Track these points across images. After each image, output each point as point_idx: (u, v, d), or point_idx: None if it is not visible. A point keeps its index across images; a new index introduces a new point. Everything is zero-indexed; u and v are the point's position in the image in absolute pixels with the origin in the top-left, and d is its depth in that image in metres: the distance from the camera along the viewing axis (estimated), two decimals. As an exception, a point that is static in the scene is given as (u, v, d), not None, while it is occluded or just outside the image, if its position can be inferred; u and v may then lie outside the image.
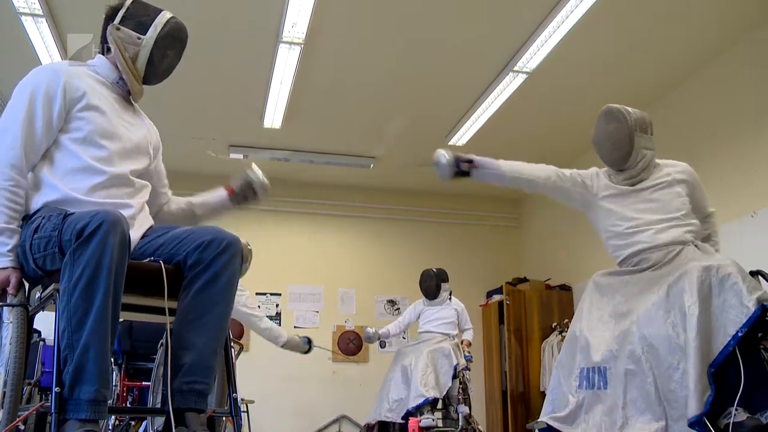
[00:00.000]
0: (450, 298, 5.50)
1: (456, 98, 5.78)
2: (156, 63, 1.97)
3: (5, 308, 1.71)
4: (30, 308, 1.74)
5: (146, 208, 2.03)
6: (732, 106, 4.90)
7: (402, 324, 5.66)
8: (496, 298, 7.45)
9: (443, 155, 2.71)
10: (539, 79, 5.31)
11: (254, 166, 2.20)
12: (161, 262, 1.78)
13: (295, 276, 7.57)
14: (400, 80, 5.50)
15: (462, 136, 6.44)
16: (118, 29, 1.94)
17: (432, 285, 5.41)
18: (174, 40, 2.00)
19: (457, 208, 8.17)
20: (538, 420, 2.62)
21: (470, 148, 6.62)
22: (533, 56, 4.95)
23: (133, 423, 3.48)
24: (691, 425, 1.99)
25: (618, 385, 2.26)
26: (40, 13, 4.38)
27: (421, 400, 4.73)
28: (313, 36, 4.73)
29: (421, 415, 4.72)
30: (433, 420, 4.76)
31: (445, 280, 5.45)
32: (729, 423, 2.02)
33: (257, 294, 7.36)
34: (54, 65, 1.95)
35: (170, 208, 2.22)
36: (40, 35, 4.62)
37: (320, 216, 7.81)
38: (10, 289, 1.72)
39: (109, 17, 1.97)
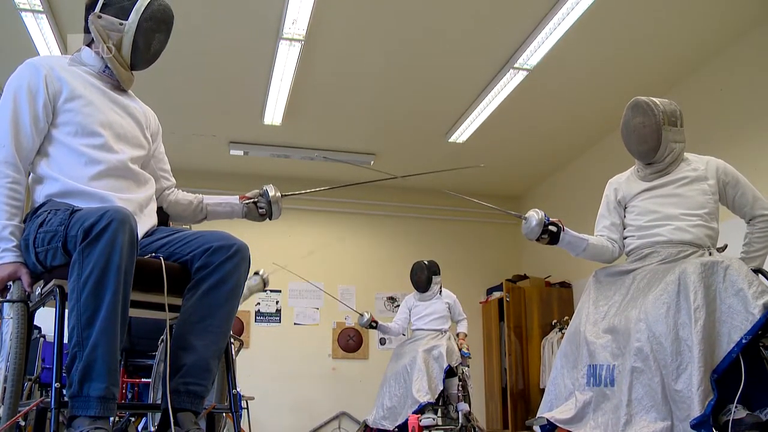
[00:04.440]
0: (440, 292, 5.47)
1: (456, 95, 5.77)
2: (141, 48, 1.92)
3: (6, 304, 1.71)
4: (30, 304, 1.74)
5: (152, 204, 2.00)
6: (732, 104, 4.90)
7: (399, 321, 5.62)
8: (496, 295, 7.47)
9: (535, 212, 2.66)
10: (540, 77, 5.30)
11: (272, 185, 2.20)
12: (161, 258, 1.78)
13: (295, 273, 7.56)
14: (400, 77, 5.50)
15: (462, 133, 6.44)
16: (99, 17, 1.88)
17: (423, 277, 5.35)
18: (158, 22, 1.92)
19: (457, 205, 8.17)
20: (538, 416, 2.60)
21: (471, 146, 6.67)
22: (534, 53, 4.95)
23: (132, 420, 3.49)
24: (693, 427, 1.98)
25: (623, 381, 2.23)
26: (40, 9, 4.38)
27: (415, 407, 4.76)
28: (314, 33, 4.73)
29: (421, 414, 4.74)
30: (434, 419, 4.77)
31: (437, 272, 5.39)
32: (729, 420, 2.02)
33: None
34: (34, 60, 1.88)
35: (177, 197, 2.18)
36: (40, 31, 4.62)
37: (320, 213, 7.81)
38: (25, 285, 1.72)
39: (90, 6, 1.92)
